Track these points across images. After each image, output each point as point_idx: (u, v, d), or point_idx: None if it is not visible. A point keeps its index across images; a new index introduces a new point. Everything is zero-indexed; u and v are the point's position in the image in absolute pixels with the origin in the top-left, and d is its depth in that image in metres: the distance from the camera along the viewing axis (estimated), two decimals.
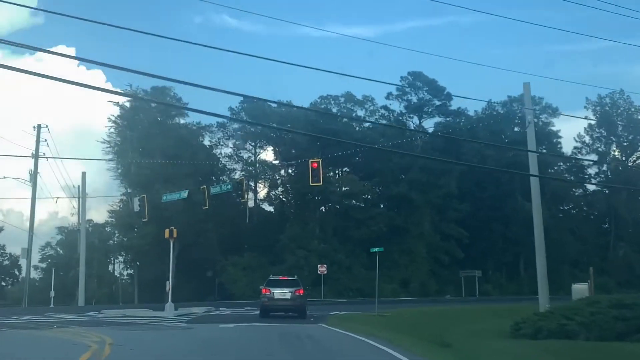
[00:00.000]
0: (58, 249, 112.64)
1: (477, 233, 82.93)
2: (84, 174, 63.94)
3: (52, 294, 61.27)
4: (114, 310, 37.17)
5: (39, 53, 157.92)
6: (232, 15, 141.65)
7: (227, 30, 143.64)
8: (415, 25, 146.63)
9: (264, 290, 32.90)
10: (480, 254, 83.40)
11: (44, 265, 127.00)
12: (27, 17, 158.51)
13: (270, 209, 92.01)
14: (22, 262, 76.76)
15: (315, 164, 37.48)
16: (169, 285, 37.34)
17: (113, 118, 75.48)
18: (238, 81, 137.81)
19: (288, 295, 32.88)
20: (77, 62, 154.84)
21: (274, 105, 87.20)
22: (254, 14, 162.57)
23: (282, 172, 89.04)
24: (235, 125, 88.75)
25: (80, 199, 64.31)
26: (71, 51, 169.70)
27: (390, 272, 76.63)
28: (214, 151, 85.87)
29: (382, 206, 78.28)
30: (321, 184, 36.98)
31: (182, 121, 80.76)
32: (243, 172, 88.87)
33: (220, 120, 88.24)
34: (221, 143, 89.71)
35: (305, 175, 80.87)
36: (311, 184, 37.91)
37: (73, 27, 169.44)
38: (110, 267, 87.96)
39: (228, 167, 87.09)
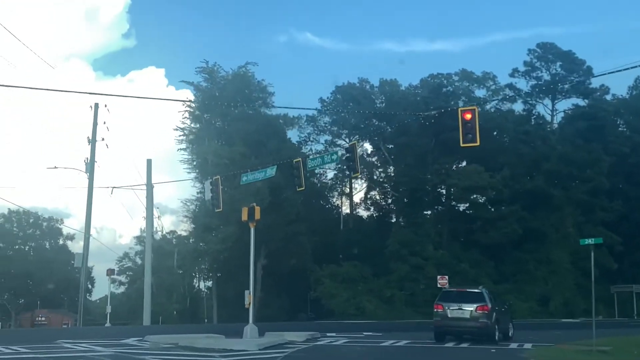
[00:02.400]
0: (137, 260, 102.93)
1: (631, 239, 66.56)
2: (149, 161, 52.09)
3: (108, 309, 49.68)
4: (165, 336, 23.74)
5: (131, 73, 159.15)
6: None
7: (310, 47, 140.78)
8: None
9: (436, 307, 25.41)
10: (636, 265, 67.08)
11: (122, 278, 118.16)
12: (119, 40, 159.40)
13: (368, 212, 78.67)
14: (102, 278, 65.83)
15: (469, 114, 23.93)
16: (249, 298, 23.31)
17: (187, 102, 63.79)
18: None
19: (467, 314, 24.61)
20: (166, 81, 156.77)
21: (374, 87, 74.30)
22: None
23: (382, 168, 75.53)
24: (327, 119, 76.11)
25: (147, 191, 52.42)
26: (161, 72, 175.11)
27: (526, 287, 61.52)
28: (302, 149, 73.10)
29: (513, 204, 62.62)
30: (478, 143, 23.02)
31: (267, 112, 68.17)
32: (335, 171, 76.44)
33: (310, 113, 75.54)
34: (311, 139, 77.45)
35: (417, 167, 68.09)
36: (462, 145, 23.86)
37: (163, 48, 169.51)
38: (187, 279, 75.84)
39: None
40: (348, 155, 29.04)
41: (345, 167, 33.00)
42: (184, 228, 70.86)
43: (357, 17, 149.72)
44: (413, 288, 59.89)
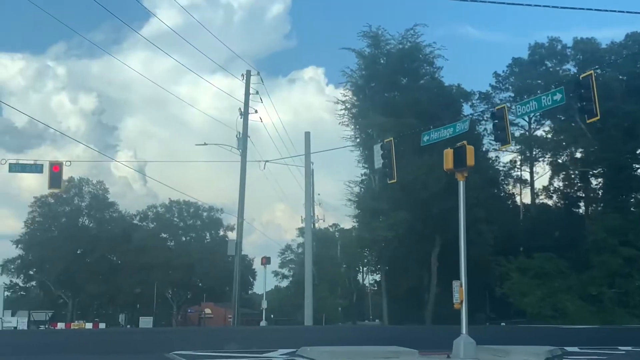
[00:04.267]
0: (299, 252, 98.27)
1: None
2: (307, 134, 45.40)
3: (264, 305, 43.44)
4: (326, 349, 15.75)
5: (292, 73, 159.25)
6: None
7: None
8: None
9: None
10: None
11: (285, 271, 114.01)
12: (281, 41, 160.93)
13: (553, 199, 67.43)
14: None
15: None
16: (460, 292, 14.06)
17: (349, 71, 56.70)
18: None
19: None
20: (326, 80, 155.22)
21: (567, 47, 63.14)
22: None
23: (575, 145, 64.06)
24: (504, 95, 65.86)
25: (306, 169, 45.74)
26: (320, 71, 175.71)
27: None
28: (476, 129, 63.35)
29: None
30: None
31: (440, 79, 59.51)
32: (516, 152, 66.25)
33: (484, 89, 65.81)
34: (484, 118, 67.52)
35: (624, 139, 56.68)
36: None
37: (323, 48, 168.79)
38: (352, 271, 68.76)
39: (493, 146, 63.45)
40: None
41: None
42: (347, 212, 63.82)
43: None
44: (626, 285, 48.98)
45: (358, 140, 56.98)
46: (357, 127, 58.05)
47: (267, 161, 43.33)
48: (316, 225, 62.10)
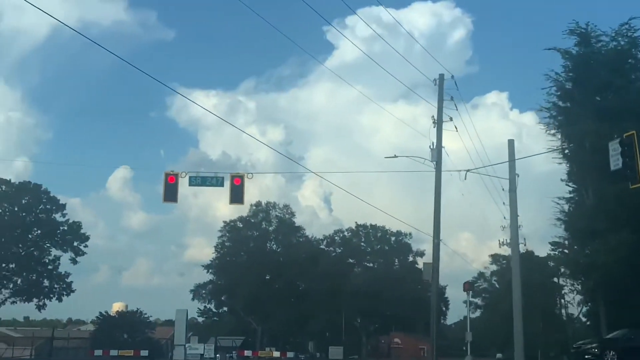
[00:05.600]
0: (494, 282, 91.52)
1: None
2: (511, 142, 39.83)
3: (469, 337, 38.10)
4: None
5: (474, 98, 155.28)
6: None
7: None
8: None
9: None
10: None
11: (477, 300, 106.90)
12: (463, 67, 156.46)
13: None
14: (457, 302, 54.65)
15: None
16: None
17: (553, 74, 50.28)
18: None
19: None
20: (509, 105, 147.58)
21: None
22: None
23: None
24: None
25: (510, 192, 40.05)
26: (504, 96, 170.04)
27: None
28: None
29: None
30: None
31: None
32: None
33: None
34: None
35: None
36: None
37: (506, 73, 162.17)
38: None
39: None
40: None
41: None
42: (557, 234, 56.85)
43: None
44: None
45: (566, 151, 50.22)
46: (564, 136, 51.36)
47: (469, 170, 38.10)
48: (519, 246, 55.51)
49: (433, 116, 41.62)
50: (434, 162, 40.53)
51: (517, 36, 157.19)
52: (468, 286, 41.37)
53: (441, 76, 42.50)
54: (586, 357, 33.49)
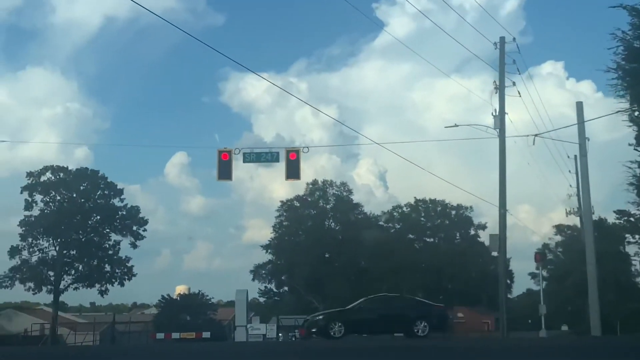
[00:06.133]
0: (558, 253, 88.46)
1: None
2: (579, 104, 37.72)
3: (542, 310, 36.27)
4: None
5: (529, 69, 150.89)
6: None
7: None
8: None
9: None
10: None
11: (544, 272, 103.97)
12: (517, 38, 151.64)
13: None
14: (521, 274, 52.89)
15: None
16: None
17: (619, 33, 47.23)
18: None
19: None
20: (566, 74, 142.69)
21: None
22: None
23: None
24: None
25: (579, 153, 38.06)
26: (559, 65, 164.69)
27: None
28: None
29: None
30: None
31: None
32: None
33: None
34: None
35: None
36: None
37: (561, 42, 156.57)
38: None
39: None
40: None
41: None
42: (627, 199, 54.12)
43: None
44: None
45: (636, 113, 47.39)
46: (633, 97, 48.43)
47: (537, 135, 36.18)
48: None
49: (495, 81, 39.76)
50: (497, 130, 38.75)
51: (571, 2, 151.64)
52: (540, 257, 39.41)
53: (502, 39, 40.59)
54: (312, 330, 30.11)
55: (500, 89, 39.09)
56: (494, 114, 38.85)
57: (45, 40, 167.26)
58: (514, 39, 40.63)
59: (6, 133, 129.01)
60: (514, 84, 39.74)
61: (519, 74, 40.87)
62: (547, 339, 31.51)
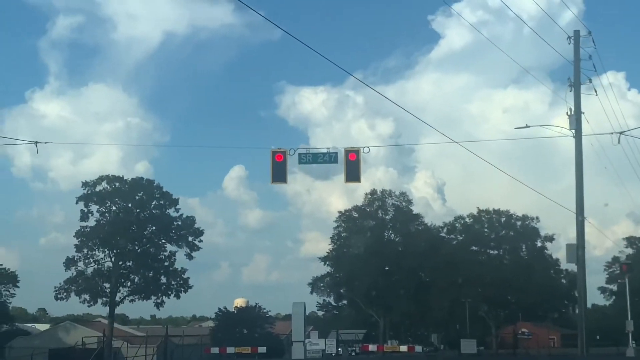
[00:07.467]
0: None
1: None
2: None
3: (630, 326, 33.03)
4: None
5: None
6: None
7: None
8: None
9: None
10: None
11: (613, 287, 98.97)
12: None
13: None
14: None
15: None
16: None
17: None
18: None
19: None
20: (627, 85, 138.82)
21: None
22: None
23: None
24: None
25: None
26: (621, 75, 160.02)
27: None
28: None
29: None
30: None
31: None
32: None
33: None
34: None
35: None
36: None
37: (622, 52, 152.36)
38: None
39: None
40: None
41: None
42: None
43: None
44: None
45: None
46: None
47: (622, 133, 33.17)
48: None
49: (569, 78, 37.05)
50: (573, 130, 36.00)
51: (631, 11, 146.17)
52: (626, 268, 36.35)
53: (576, 32, 37.86)
54: None
55: (575, 86, 36.40)
56: (569, 113, 36.12)
57: (106, 57, 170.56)
58: (590, 32, 37.78)
59: (70, 147, 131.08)
60: (590, 80, 36.95)
61: (595, 70, 38.05)
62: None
